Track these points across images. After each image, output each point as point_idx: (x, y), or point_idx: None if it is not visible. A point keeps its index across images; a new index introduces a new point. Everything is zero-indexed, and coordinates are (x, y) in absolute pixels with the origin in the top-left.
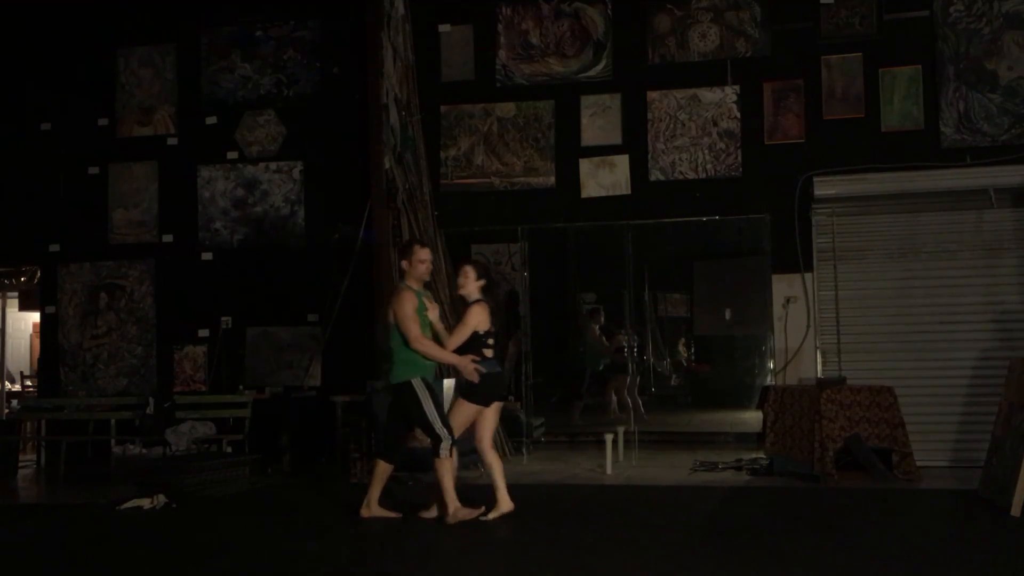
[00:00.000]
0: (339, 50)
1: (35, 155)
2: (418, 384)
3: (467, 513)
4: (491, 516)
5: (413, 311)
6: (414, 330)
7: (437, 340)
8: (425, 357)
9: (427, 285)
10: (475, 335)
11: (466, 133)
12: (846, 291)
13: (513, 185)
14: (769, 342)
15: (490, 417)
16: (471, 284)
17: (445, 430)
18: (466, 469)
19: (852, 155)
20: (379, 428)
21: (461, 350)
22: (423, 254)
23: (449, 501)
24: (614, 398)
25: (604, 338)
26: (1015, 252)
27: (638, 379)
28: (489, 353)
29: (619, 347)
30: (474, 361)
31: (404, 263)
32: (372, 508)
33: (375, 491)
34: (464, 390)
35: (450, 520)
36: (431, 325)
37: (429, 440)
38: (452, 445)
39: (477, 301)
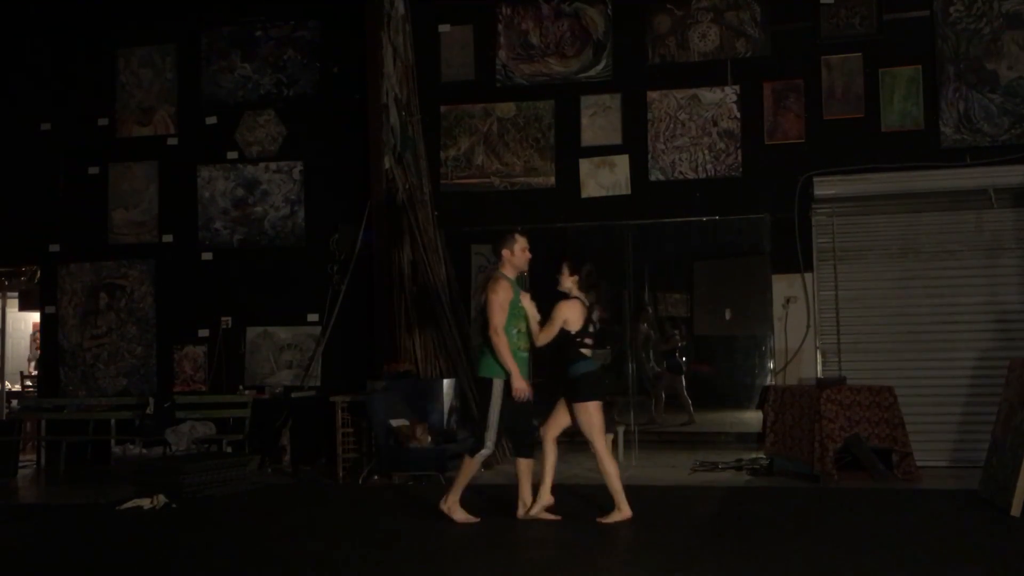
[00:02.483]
0: (339, 50)
1: (35, 155)
2: (498, 386)
3: (463, 516)
4: (532, 512)
5: (506, 301)
6: (497, 319)
7: (521, 335)
8: (493, 351)
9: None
10: (567, 334)
11: (466, 133)
12: (846, 291)
13: (513, 185)
14: (769, 342)
15: (567, 414)
16: (566, 280)
17: (494, 440)
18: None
19: (852, 155)
20: (379, 428)
21: (554, 347)
22: (524, 242)
23: (453, 494)
24: (663, 397)
25: (653, 336)
26: (1015, 252)
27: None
28: (587, 352)
29: (674, 347)
30: (567, 363)
31: (506, 252)
32: (529, 508)
33: (525, 489)
34: (570, 393)
35: (443, 508)
36: (526, 318)
37: (472, 435)
38: (489, 456)
39: (567, 298)
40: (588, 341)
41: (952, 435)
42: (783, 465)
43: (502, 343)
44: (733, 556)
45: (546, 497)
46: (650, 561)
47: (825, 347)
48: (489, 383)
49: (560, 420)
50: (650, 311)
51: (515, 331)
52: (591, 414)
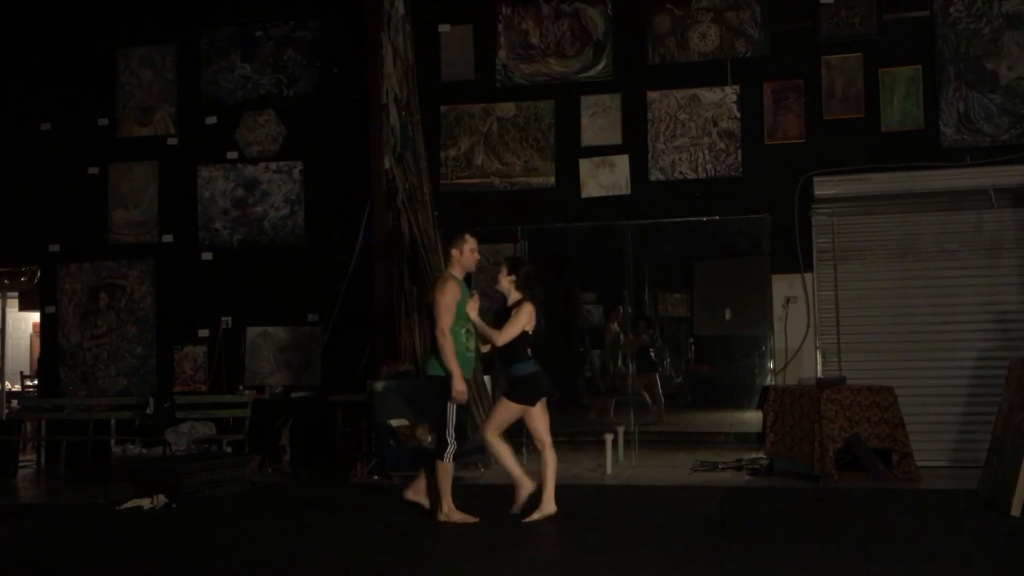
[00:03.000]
0: (339, 50)
1: (35, 155)
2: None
3: (461, 518)
4: (534, 517)
5: (453, 302)
6: (444, 321)
7: (470, 335)
8: (438, 352)
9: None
10: (524, 334)
11: (466, 133)
12: (846, 291)
13: (513, 185)
14: (769, 342)
15: (539, 416)
16: (504, 280)
17: (455, 436)
18: (465, 469)
19: (852, 155)
20: (379, 428)
21: (505, 347)
22: (474, 243)
23: (445, 502)
24: (647, 397)
25: (622, 336)
26: (1015, 252)
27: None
28: (529, 352)
29: (643, 346)
30: (514, 362)
31: (455, 252)
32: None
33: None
34: (509, 391)
35: (442, 519)
36: (468, 319)
37: (434, 439)
38: (455, 452)
39: (525, 300)
40: (531, 341)
41: (952, 435)
42: (783, 465)
43: (448, 345)
44: (733, 556)
45: (549, 506)
46: (650, 561)
47: (825, 347)
48: (438, 381)
49: (539, 424)
50: (622, 311)
51: (463, 331)
52: (512, 412)
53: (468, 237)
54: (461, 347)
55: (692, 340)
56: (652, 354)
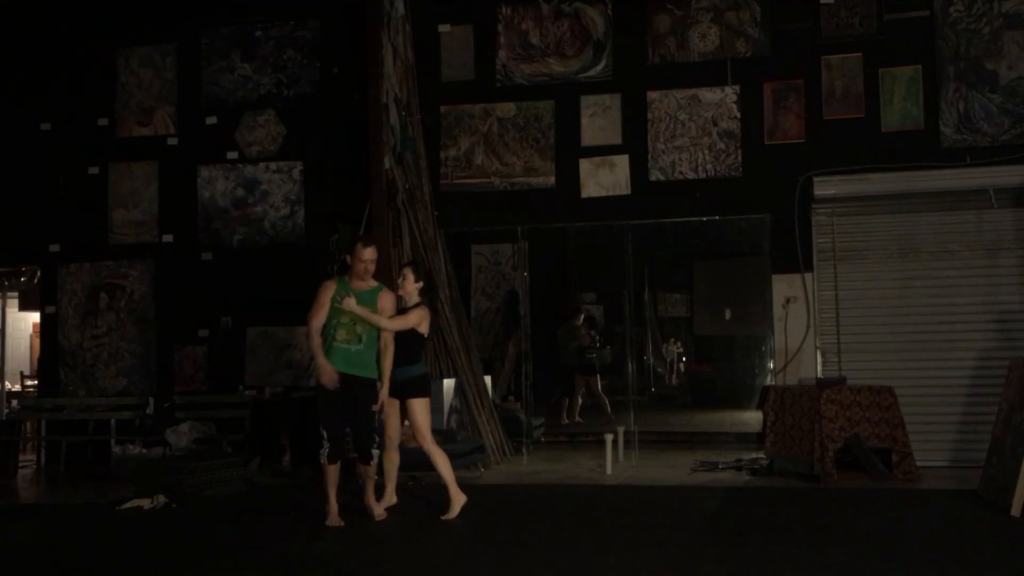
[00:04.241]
0: (339, 50)
1: (35, 155)
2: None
3: (335, 520)
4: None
5: (326, 299)
6: (312, 315)
7: (341, 326)
8: (308, 340)
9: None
10: (420, 337)
11: (466, 133)
12: (846, 291)
13: (513, 185)
14: (769, 342)
15: (396, 414)
16: (410, 286)
17: (325, 435)
18: (465, 470)
19: (852, 155)
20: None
21: (404, 351)
22: (365, 254)
23: (328, 500)
24: (579, 399)
25: (582, 335)
26: (1015, 252)
27: (597, 378)
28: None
29: (585, 346)
30: (409, 363)
31: (349, 257)
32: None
33: (370, 491)
34: (412, 392)
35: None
36: (344, 313)
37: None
38: (329, 453)
39: (419, 304)
40: (424, 346)
41: (952, 435)
42: (783, 465)
43: (311, 338)
44: (733, 556)
45: (389, 497)
46: (650, 561)
47: (825, 347)
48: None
49: (396, 421)
50: (581, 311)
51: (335, 322)
52: (425, 410)
53: (359, 248)
54: (330, 339)
55: (675, 340)
56: (594, 357)
